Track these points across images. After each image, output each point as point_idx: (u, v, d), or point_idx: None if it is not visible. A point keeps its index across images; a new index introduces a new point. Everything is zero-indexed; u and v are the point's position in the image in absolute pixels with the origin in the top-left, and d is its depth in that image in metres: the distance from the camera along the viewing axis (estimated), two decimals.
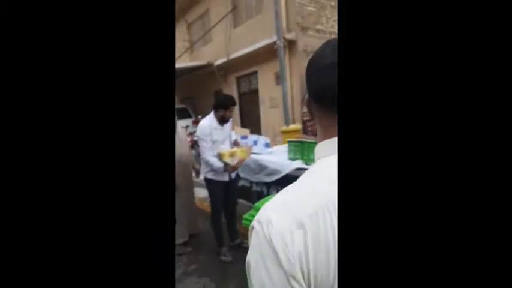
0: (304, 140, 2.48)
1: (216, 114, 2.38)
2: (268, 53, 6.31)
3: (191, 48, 9.30)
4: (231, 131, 2.62)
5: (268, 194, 2.60)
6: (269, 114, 6.99)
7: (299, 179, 0.46)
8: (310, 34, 6.14)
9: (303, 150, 2.44)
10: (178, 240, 2.71)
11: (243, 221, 2.43)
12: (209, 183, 2.44)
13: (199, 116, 7.42)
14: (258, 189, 2.76)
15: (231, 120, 2.44)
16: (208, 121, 2.37)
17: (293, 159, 2.50)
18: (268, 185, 2.61)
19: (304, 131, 4.32)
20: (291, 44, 6.07)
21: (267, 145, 3.04)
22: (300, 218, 0.39)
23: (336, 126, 0.42)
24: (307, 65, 0.49)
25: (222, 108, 2.34)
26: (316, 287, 0.38)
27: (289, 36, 6.02)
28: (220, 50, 7.85)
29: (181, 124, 2.99)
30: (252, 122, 7.22)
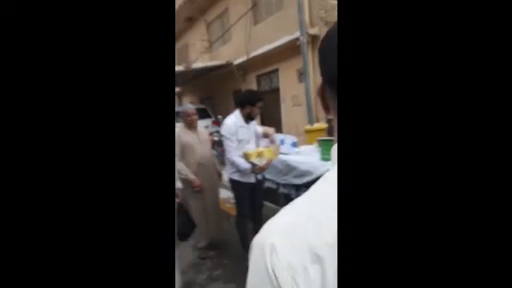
0: None
1: (242, 112, 2.23)
2: (289, 50, 6.17)
3: (210, 48, 9.28)
4: (258, 127, 2.47)
5: (298, 196, 2.42)
6: (291, 113, 6.82)
7: (311, 190, 0.37)
8: None
9: None
10: (201, 243, 2.60)
11: None
12: (235, 185, 2.29)
13: (219, 116, 7.37)
14: (286, 191, 2.58)
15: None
16: (234, 119, 2.22)
17: (327, 160, 2.30)
18: (297, 187, 2.43)
19: (330, 130, 4.09)
20: (314, 39, 5.87)
21: (294, 144, 2.85)
22: (317, 248, 0.30)
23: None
24: (321, 44, 0.41)
25: (249, 105, 2.19)
26: None
27: (313, 31, 5.87)
28: (240, 49, 7.77)
29: (201, 124, 2.86)
30: (273, 122, 7.06)
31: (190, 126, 2.45)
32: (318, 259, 0.30)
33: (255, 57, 7.21)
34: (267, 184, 2.71)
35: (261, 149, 2.24)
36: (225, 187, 2.97)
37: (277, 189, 2.68)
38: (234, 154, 2.16)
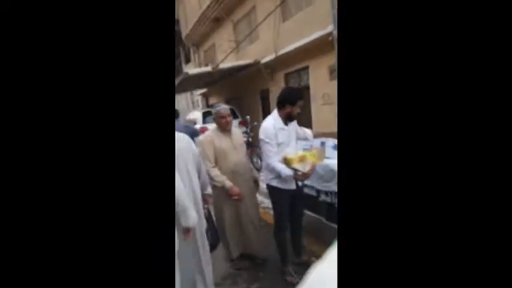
0: None
1: (281, 112, 2.02)
2: (320, 46, 5.87)
3: (237, 48, 9.17)
4: (301, 129, 2.24)
5: None
6: (322, 111, 6.50)
7: None
8: None
9: None
10: (234, 253, 2.40)
11: None
12: (273, 192, 2.08)
13: (247, 117, 7.21)
14: (328, 199, 2.34)
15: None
16: (272, 121, 2.02)
17: None
18: None
19: None
20: None
21: (336, 147, 2.60)
22: None
23: None
24: None
25: (289, 104, 1.98)
26: None
27: None
28: (268, 47, 7.57)
29: (234, 124, 2.64)
30: (302, 121, 6.78)
31: (224, 129, 2.27)
32: None
33: (283, 54, 6.97)
34: (306, 191, 2.48)
35: (303, 152, 2.01)
36: (260, 193, 2.78)
37: (317, 196, 2.45)
38: (274, 159, 1.96)
